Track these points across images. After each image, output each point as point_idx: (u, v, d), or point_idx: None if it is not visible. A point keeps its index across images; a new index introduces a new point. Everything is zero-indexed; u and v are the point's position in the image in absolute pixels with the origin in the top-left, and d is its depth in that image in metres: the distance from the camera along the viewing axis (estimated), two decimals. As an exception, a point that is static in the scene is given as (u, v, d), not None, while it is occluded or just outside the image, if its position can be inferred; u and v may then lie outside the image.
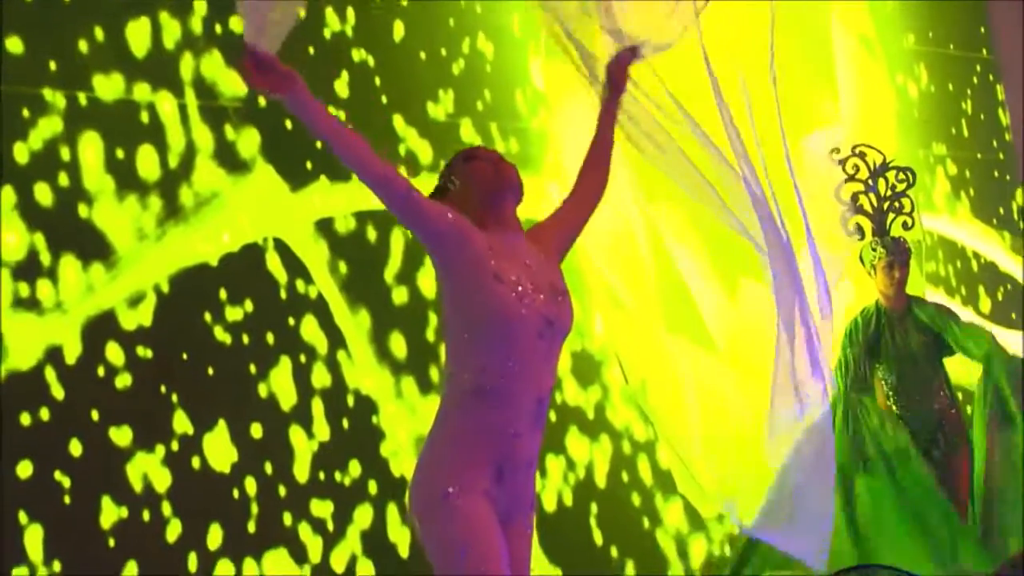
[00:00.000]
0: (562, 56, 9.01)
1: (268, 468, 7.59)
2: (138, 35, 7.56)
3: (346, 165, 4.86)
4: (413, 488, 4.78)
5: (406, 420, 8.05)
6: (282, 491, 7.62)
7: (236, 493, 7.46)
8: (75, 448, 6.95)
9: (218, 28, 7.84)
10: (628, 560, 8.23)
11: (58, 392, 6.95)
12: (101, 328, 7.14)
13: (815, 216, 10.12)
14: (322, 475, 7.78)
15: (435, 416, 4.82)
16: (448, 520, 4.65)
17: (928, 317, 8.43)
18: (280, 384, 7.74)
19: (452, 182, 5.05)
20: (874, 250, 8.36)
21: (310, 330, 7.86)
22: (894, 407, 8.28)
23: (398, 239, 8.23)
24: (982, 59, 13.23)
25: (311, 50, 8.24)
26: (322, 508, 7.75)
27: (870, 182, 8.53)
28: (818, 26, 11.46)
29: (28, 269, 6.95)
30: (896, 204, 8.57)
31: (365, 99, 8.39)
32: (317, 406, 7.83)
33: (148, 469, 7.17)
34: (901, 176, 8.60)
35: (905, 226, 8.58)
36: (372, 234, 8.17)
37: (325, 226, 8.03)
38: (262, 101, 7.91)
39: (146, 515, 7.11)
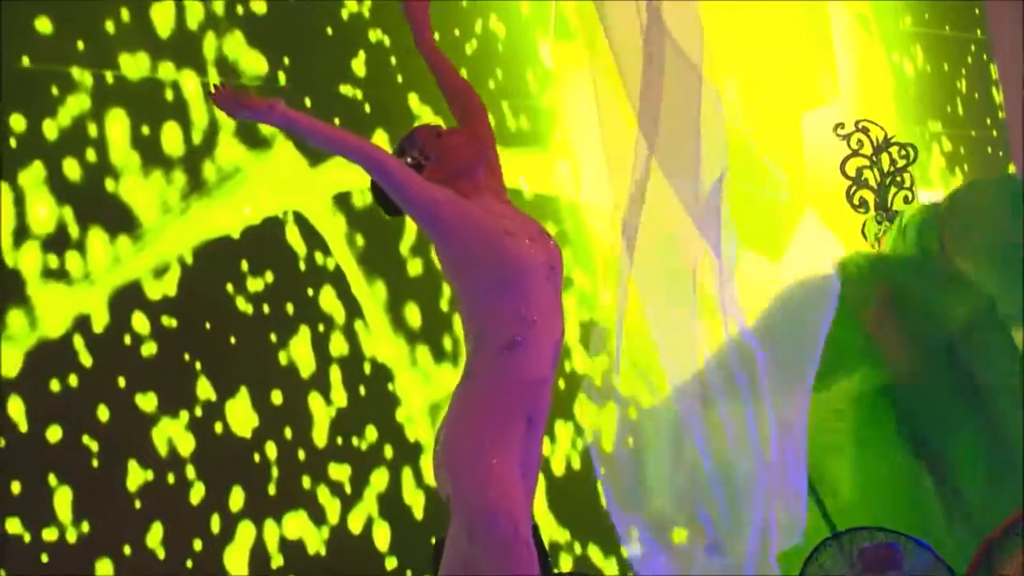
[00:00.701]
0: (569, 37, 9.05)
1: (288, 433, 7.60)
2: (163, 16, 7.55)
3: (349, 159, 4.81)
4: (448, 448, 4.71)
5: (421, 387, 8.04)
6: (301, 455, 7.62)
7: (257, 457, 7.47)
8: (102, 413, 6.97)
9: (239, 9, 7.83)
10: (633, 528, 8.21)
11: (86, 359, 6.96)
12: (127, 298, 7.14)
13: (817, 188, 10.13)
14: (340, 440, 7.78)
15: (462, 382, 4.78)
16: (484, 482, 4.63)
17: None
18: (299, 352, 7.74)
19: (425, 158, 4.99)
20: (879, 223, 8.34)
21: (328, 300, 7.85)
22: None
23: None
24: (976, 39, 13.20)
25: (329, 31, 8.23)
26: (340, 472, 7.75)
27: (874, 157, 8.51)
28: (817, 8, 11.43)
29: (57, 241, 6.95)
30: (898, 179, 8.55)
31: (381, 78, 8.37)
32: (335, 373, 7.84)
33: (173, 434, 7.19)
34: (903, 152, 8.58)
35: (906, 200, 8.57)
36: (388, 208, 8.16)
37: (343, 200, 8.02)
38: (282, 79, 7.91)
39: (171, 478, 7.12)
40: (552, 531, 8.34)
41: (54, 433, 6.79)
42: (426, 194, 4.76)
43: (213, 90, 4.53)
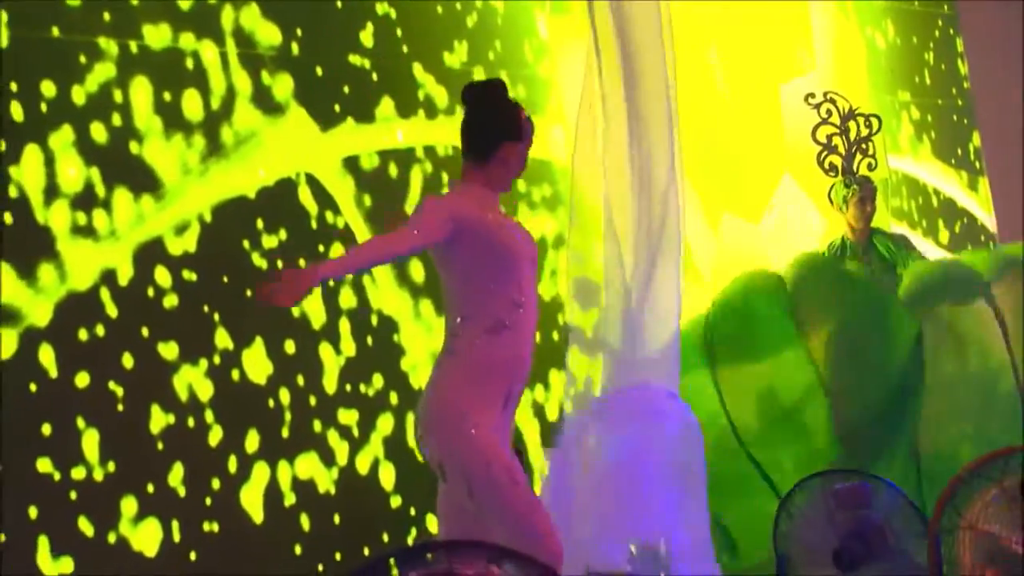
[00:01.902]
0: (565, 10, 9.02)
1: (300, 380, 7.61)
2: (184, -12, 7.55)
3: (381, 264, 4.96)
4: (433, 417, 4.81)
5: (424, 338, 8.05)
6: (312, 401, 7.64)
7: (271, 403, 7.48)
8: (127, 361, 6.97)
9: (256, -17, 7.84)
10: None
11: (112, 311, 6.96)
12: (150, 253, 7.14)
13: (796, 153, 10.13)
14: (348, 387, 7.80)
15: (444, 358, 4.86)
16: (473, 441, 4.69)
17: (886, 249, 8.42)
18: (311, 305, 7.74)
19: (523, 129, 5.02)
20: (847, 187, 8.34)
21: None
22: None
23: (417, 175, 8.22)
24: (943, 14, 13.19)
25: (339, 3, 8.20)
26: (348, 416, 7.77)
27: (843, 126, 8.51)
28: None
29: (85, 200, 6.95)
30: (863, 147, 8.54)
31: (388, 49, 8.35)
32: (344, 325, 7.84)
33: (193, 380, 7.20)
34: (868, 122, 8.57)
35: (870, 167, 8.56)
36: (394, 170, 8.16)
37: (352, 163, 8.02)
38: (295, 49, 7.89)
39: (191, 422, 7.14)
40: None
41: (82, 379, 6.80)
42: (433, 234, 4.78)
43: (268, 293, 4.44)
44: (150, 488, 6.93)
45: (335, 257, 4.95)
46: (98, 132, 7.06)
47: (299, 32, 7.96)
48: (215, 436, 7.22)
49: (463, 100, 5.26)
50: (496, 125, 5.08)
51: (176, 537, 6.95)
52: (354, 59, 8.21)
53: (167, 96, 7.35)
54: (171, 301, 7.18)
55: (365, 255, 4.91)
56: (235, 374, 7.37)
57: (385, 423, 7.88)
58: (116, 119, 7.14)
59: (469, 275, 4.84)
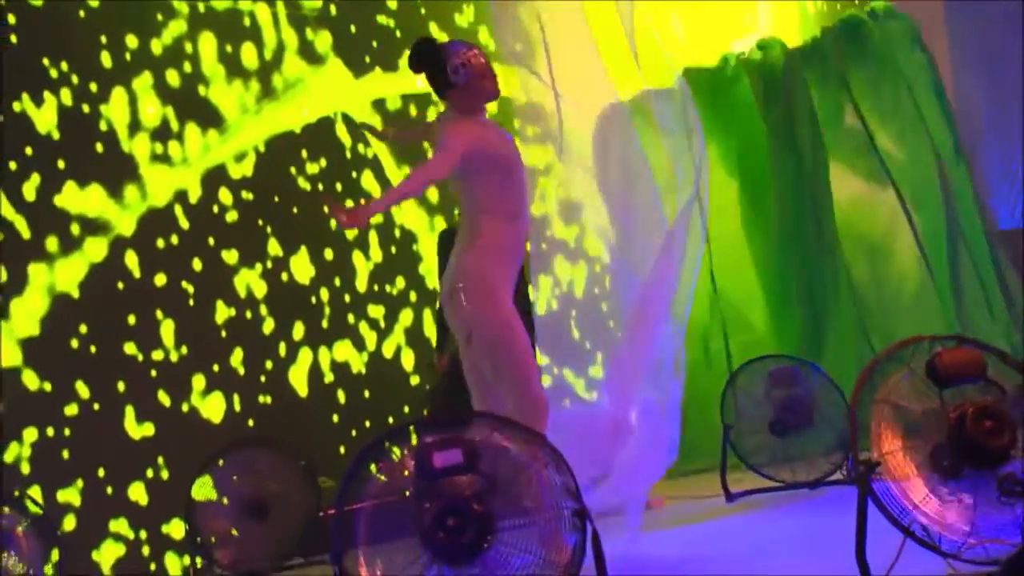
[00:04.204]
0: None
1: (337, 281, 7.60)
2: (242, -41, 7.47)
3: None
4: (470, 289, 4.71)
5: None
6: (347, 298, 7.63)
7: (313, 299, 7.48)
8: (197, 264, 6.96)
9: (301, -45, 7.75)
10: (599, 354, 8.22)
11: (184, 224, 6.95)
12: (215, 177, 7.12)
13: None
14: (376, 287, 7.79)
15: (470, 243, 4.78)
16: (501, 309, 4.68)
17: None
18: (346, 220, 7.71)
19: (456, 74, 4.87)
20: None
21: (368, 181, 7.81)
22: None
23: (432, 114, 8.15)
24: (862, -13, 13.11)
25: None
26: (376, 311, 7.77)
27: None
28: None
29: (162, 133, 6.91)
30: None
31: (408, 11, 8.29)
32: (373, 237, 7.82)
33: (250, 281, 7.19)
34: None
35: None
36: (413, 110, 8.10)
37: (379, 104, 7.97)
38: (333, 10, 7.81)
39: (248, 314, 7.14)
40: (536, 356, 8.35)
41: (160, 279, 6.79)
42: (453, 159, 4.69)
43: (344, 218, 4.37)
44: (215, 368, 6.94)
45: (389, 191, 4.85)
46: (172, 77, 7.01)
47: (336, -4, 7.91)
48: (268, 326, 7.23)
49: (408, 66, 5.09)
50: (435, 82, 4.94)
51: (237, 408, 6.97)
52: (381, 19, 8.13)
53: (228, 48, 7.28)
54: (232, 216, 7.16)
55: (412, 186, 4.81)
56: (284, 276, 7.36)
57: (406, 317, 7.87)
58: (187, 67, 7.09)
59: (487, 178, 4.79)
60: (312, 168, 7.57)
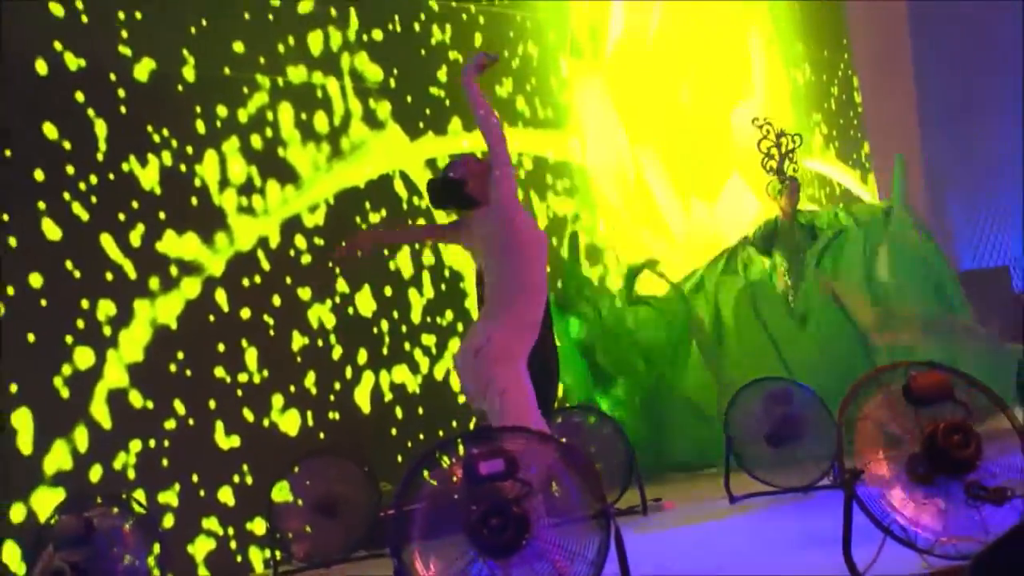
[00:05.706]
0: (580, 55, 8.89)
1: (395, 314, 7.64)
2: (315, 41, 7.53)
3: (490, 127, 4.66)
4: (495, 347, 4.36)
5: (480, 285, 8.06)
6: (403, 329, 7.67)
7: (375, 330, 7.52)
8: (276, 300, 7.00)
9: (364, 37, 7.81)
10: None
11: (265, 265, 7.00)
12: (292, 226, 7.18)
13: (741, 157, 10.04)
14: (428, 319, 7.82)
15: (501, 312, 4.43)
16: (517, 377, 4.38)
17: (805, 219, 8.35)
18: (402, 262, 7.77)
19: (470, 185, 4.55)
20: (783, 183, 8.21)
21: (421, 228, 7.85)
22: (788, 281, 8.17)
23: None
24: (844, 60, 13.11)
25: (423, 52, 8.20)
26: (428, 339, 7.80)
27: (777, 140, 8.40)
28: (741, 37, 11.39)
29: (247, 188, 6.98)
30: (790, 155, 8.45)
31: (456, 83, 8.26)
32: (425, 276, 7.86)
33: (321, 314, 7.23)
34: (794, 139, 8.46)
35: (794, 170, 8.44)
36: (460, 168, 8.14)
37: (431, 163, 8.01)
38: (392, 83, 7.88)
39: (320, 342, 7.18)
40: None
41: (245, 313, 6.84)
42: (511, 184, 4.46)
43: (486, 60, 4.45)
44: (292, 388, 6.98)
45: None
46: (256, 141, 7.08)
47: (395, 71, 7.96)
48: (336, 352, 7.26)
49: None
50: (460, 205, 4.60)
51: (310, 422, 7.00)
52: (433, 90, 8.20)
53: (303, 116, 7.36)
54: (306, 259, 7.21)
55: (507, 166, 4.50)
56: (350, 310, 7.40)
57: (454, 344, 7.89)
58: (268, 132, 7.16)
59: (521, 256, 4.45)
60: (374, 217, 7.62)
